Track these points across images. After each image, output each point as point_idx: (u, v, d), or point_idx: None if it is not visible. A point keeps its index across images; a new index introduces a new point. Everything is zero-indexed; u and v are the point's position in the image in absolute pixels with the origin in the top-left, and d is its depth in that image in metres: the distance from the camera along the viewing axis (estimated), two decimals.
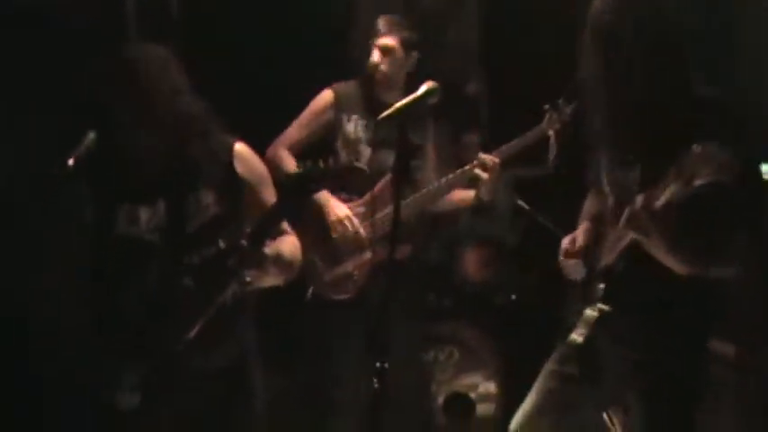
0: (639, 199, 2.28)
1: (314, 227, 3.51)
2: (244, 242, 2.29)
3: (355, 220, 3.51)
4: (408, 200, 3.50)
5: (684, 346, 2.49)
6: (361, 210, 3.52)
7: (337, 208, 3.52)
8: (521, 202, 4.33)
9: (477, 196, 3.54)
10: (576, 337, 2.53)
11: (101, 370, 2.45)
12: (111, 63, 2.40)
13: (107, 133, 2.41)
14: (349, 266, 3.54)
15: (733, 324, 3.31)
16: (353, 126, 3.58)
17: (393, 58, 3.55)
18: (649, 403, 2.46)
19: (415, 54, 3.58)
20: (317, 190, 2.42)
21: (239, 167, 2.51)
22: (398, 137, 2.46)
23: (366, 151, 3.56)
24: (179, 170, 2.45)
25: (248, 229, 2.34)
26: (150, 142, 2.40)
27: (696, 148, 2.13)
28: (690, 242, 2.28)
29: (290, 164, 3.47)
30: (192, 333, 2.34)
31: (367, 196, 3.53)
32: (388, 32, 3.56)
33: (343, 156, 3.54)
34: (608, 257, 2.49)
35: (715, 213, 2.22)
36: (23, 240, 3.68)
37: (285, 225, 2.58)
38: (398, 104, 2.49)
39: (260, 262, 2.32)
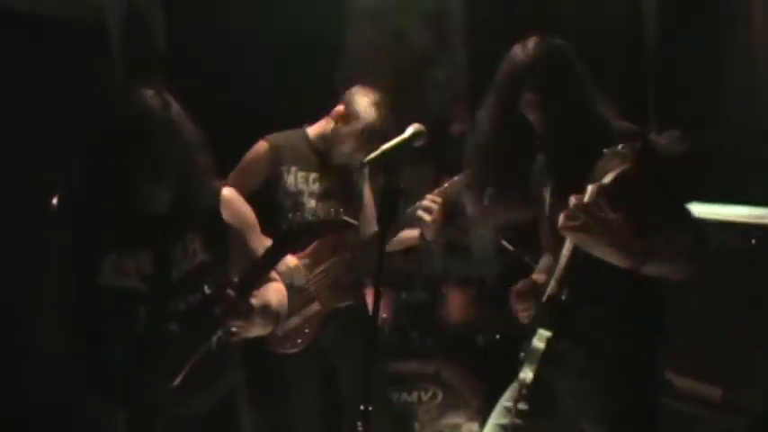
0: (571, 199, 2.32)
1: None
2: (230, 292, 2.26)
3: (298, 271, 3.47)
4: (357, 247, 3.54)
5: (637, 372, 2.52)
6: (306, 261, 3.50)
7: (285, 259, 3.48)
8: (504, 243, 4.32)
9: (421, 236, 3.51)
10: (526, 374, 2.52)
11: (86, 417, 2.42)
12: (115, 111, 2.34)
13: (97, 180, 2.37)
14: (299, 320, 3.52)
15: (714, 365, 3.32)
16: (293, 179, 3.55)
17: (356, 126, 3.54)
18: None
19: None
20: (309, 243, 2.41)
21: (226, 213, 2.49)
22: (385, 180, 2.43)
23: (310, 202, 3.53)
24: (167, 217, 2.42)
25: (235, 279, 2.32)
26: (144, 190, 2.37)
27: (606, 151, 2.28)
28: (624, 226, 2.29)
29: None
30: (177, 380, 2.31)
31: (312, 247, 3.50)
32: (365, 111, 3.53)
33: (287, 208, 3.50)
34: (552, 286, 2.49)
35: (636, 194, 2.30)
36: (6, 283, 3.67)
37: (273, 273, 2.57)
38: (384, 147, 2.47)
39: (247, 313, 2.29)
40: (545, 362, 2.48)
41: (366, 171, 3.70)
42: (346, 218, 2.24)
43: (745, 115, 3.99)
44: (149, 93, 2.34)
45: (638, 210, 2.33)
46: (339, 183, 3.62)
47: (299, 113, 4.04)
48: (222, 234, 2.48)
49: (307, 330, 3.52)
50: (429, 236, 3.47)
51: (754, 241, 3.28)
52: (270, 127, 3.78)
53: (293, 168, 3.57)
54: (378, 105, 3.54)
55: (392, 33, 5.16)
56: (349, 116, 3.54)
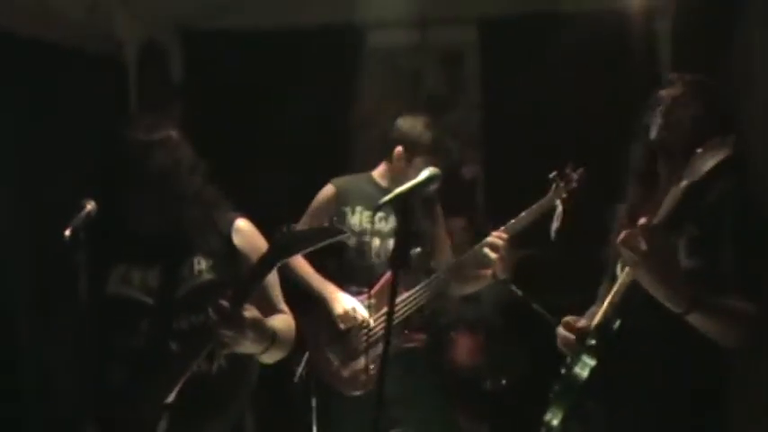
0: (641, 220, 2.16)
1: (326, 324, 3.47)
2: (224, 302, 2.26)
3: (362, 310, 3.44)
4: (420, 286, 3.47)
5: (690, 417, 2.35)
6: (373, 301, 3.44)
7: (343, 300, 3.47)
8: (514, 288, 4.31)
9: (493, 275, 3.45)
10: (552, 416, 2.43)
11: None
12: (127, 141, 2.40)
13: (109, 202, 2.41)
14: (365, 360, 3.45)
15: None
16: (358, 218, 3.55)
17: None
18: None
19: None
20: (299, 251, 2.36)
21: (237, 240, 2.51)
22: (398, 223, 2.43)
23: (374, 242, 3.51)
24: (177, 236, 2.45)
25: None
26: (154, 212, 2.42)
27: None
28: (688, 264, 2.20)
29: (300, 266, 3.49)
30: (171, 398, 2.30)
31: (378, 287, 3.46)
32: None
33: (352, 247, 3.49)
34: (605, 310, 2.36)
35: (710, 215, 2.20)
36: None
37: (284, 306, 2.57)
38: (399, 190, 2.45)
39: (238, 325, 2.28)
40: (583, 394, 2.39)
41: (438, 207, 3.67)
42: (340, 226, 2.19)
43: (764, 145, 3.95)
44: (146, 116, 2.45)
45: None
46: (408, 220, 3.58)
47: (313, 146, 4.04)
48: (231, 258, 2.48)
49: (372, 372, 3.41)
50: (500, 273, 3.44)
51: None
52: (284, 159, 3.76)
53: (358, 208, 3.55)
54: (428, 126, 3.52)
55: (406, 75, 5.20)
56: (411, 146, 3.50)
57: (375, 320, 3.47)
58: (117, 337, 2.42)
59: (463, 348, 4.49)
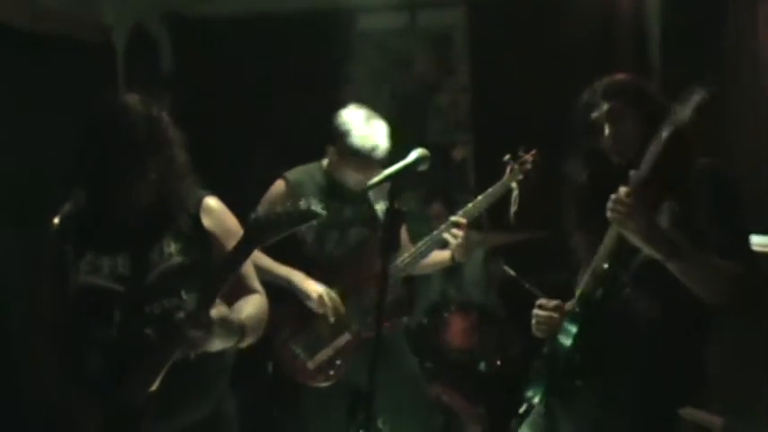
0: (621, 190, 2.29)
1: (291, 315, 3.43)
2: (189, 302, 2.24)
3: (333, 295, 3.38)
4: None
5: (655, 407, 2.42)
6: (336, 290, 3.40)
7: (315, 284, 3.39)
8: (506, 268, 4.32)
9: (452, 257, 3.44)
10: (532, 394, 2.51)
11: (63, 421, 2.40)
12: (103, 113, 2.37)
13: (89, 188, 2.40)
14: (330, 351, 3.43)
15: (716, 393, 3.28)
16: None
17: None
18: None
19: None
20: (275, 236, 2.34)
21: (206, 220, 2.46)
22: (389, 205, 2.41)
23: (332, 233, 3.46)
24: (144, 220, 2.41)
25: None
26: (139, 190, 2.38)
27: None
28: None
29: (260, 258, 3.36)
30: (154, 386, 2.28)
31: (342, 276, 3.43)
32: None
33: (310, 239, 3.42)
34: (587, 281, 2.44)
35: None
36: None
37: (258, 285, 2.55)
38: (388, 171, 2.44)
39: (206, 325, 2.24)
40: (565, 370, 2.43)
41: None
42: (314, 209, 2.15)
43: (751, 143, 3.98)
44: (133, 96, 2.38)
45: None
46: (360, 210, 3.53)
47: (302, 138, 4.01)
48: (201, 240, 2.43)
49: (338, 362, 3.42)
50: (459, 256, 3.41)
51: None
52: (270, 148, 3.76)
53: (313, 200, 3.47)
54: (370, 122, 3.39)
55: (395, 58, 5.19)
56: (341, 138, 3.40)
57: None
58: (90, 325, 2.38)
59: (457, 330, 4.50)
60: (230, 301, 2.46)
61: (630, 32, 4.83)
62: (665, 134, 2.26)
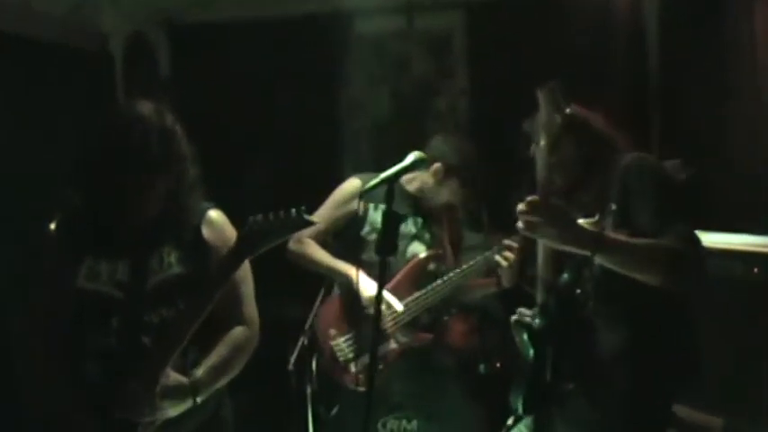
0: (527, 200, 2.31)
1: (342, 314, 3.46)
2: (135, 385, 2.27)
3: (390, 297, 3.37)
4: (428, 288, 3.47)
5: (642, 405, 2.43)
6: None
7: (373, 285, 3.33)
8: None
9: (498, 284, 3.40)
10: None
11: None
12: (117, 125, 2.35)
13: (89, 194, 2.40)
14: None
15: (716, 395, 3.28)
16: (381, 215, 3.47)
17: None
18: None
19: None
20: (266, 245, 2.33)
21: (207, 232, 2.47)
22: (385, 208, 2.41)
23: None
24: (145, 228, 2.42)
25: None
26: (147, 200, 2.39)
27: None
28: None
29: (316, 252, 3.45)
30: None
31: (391, 283, 3.43)
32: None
33: (371, 243, 3.43)
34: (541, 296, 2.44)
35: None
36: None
37: (250, 309, 2.55)
38: (384, 174, 2.45)
39: (150, 408, 2.29)
40: (538, 371, 2.41)
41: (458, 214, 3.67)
42: (307, 216, 2.13)
43: (750, 144, 3.98)
44: (145, 103, 2.38)
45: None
46: (428, 226, 3.58)
47: (298, 140, 4.02)
48: (200, 251, 2.45)
49: (381, 368, 3.39)
50: (507, 282, 3.36)
51: (756, 270, 3.26)
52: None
53: (381, 206, 3.43)
54: (463, 149, 3.54)
55: (393, 62, 5.19)
56: (447, 168, 3.49)
57: (387, 317, 3.41)
58: (89, 332, 2.39)
59: (457, 332, 4.48)
60: (221, 316, 2.45)
61: (628, 35, 4.83)
62: (542, 142, 2.32)
